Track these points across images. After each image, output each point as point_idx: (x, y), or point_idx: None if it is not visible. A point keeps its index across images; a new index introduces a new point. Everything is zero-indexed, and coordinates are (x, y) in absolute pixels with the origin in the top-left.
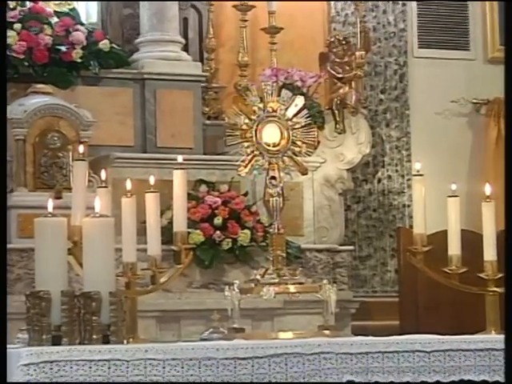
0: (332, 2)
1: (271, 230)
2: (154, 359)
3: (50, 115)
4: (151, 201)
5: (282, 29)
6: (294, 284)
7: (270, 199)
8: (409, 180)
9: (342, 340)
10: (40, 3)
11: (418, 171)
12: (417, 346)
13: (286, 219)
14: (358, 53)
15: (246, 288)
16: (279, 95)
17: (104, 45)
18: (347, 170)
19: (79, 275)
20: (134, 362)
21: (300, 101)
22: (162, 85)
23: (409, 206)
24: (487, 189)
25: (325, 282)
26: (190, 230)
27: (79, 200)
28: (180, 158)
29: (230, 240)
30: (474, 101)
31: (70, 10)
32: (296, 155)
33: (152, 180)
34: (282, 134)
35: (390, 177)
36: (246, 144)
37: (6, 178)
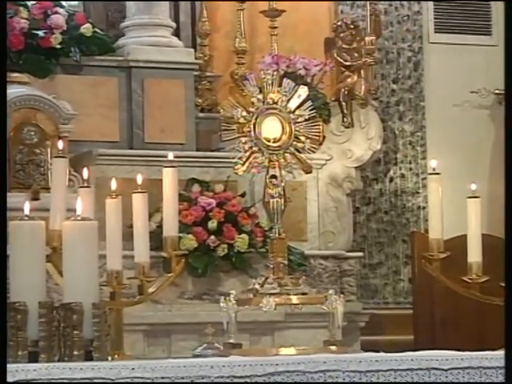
0: None
1: (271, 235)
2: (141, 378)
3: (26, 107)
4: (138, 202)
5: (283, 11)
6: (296, 294)
7: (270, 200)
8: (424, 179)
9: (350, 357)
10: None
11: (434, 169)
12: (433, 363)
13: (288, 223)
14: (367, 38)
15: (244, 299)
16: (280, 85)
17: (86, 29)
18: (356, 168)
19: (59, 284)
20: (120, 381)
21: (303, 91)
22: (150, 74)
23: (424, 207)
24: None
25: (331, 292)
26: (181, 234)
27: (59, 201)
28: (170, 155)
29: (225, 246)
30: (497, 91)
31: None
32: (299, 152)
33: (139, 179)
34: (283, 128)
35: (403, 176)
36: (243, 139)
37: (7, 177)
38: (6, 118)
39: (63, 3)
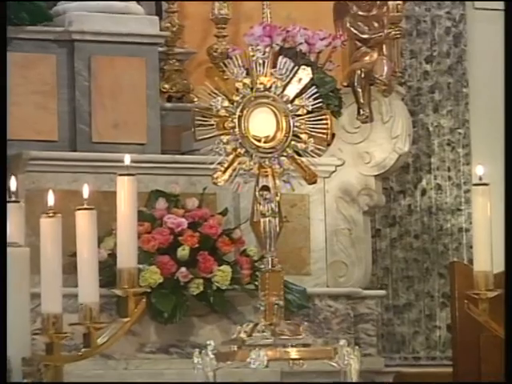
0: None
1: (262, 267)
2: None
3: None
4: (84, 222)
5: None
6: (296, 346)
7: (261, 220)
8: (468, 192)
9: None
10: None
11: (480, 178)
12: None
13: (285, 250)
14: (391, 2)
15: (226, 352)
16: (275, 66)
17: None
18: (376, 176)
19: None
20: None
21: (305, 74)
22: (99, 50)
23: (467, 230)
24: None
25: (342, 343)
26: (141, 265)
27: None
28: (127, 159)
29: (200, 281)
30: None
31: None
32: (299, 155)
33: (85, 191)
34: (278, 123)
35: (439, 187)
36: (225, 138)
37: (6, 178)
38: (6, 117)
39: None
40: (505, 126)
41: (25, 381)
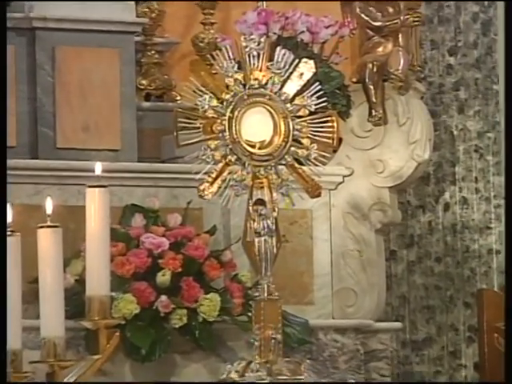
0: None
1: (257, 295)
2: None
3: None
4: (48, 242)
5: None
6: None
7: (256, 240)
8: (498, 207)
9: None
10: None
11: None
12: None
13: (284, 275)
14: None
15: None
16: (271, 58)
17: None
18: (391, 188)
19: None
20: None
21: (308, 68)
22: (65, 39)
23: (499, 251)
24: None
25: None
26: (114, 293)
27: None
28: (98, 168)
29: (184, 312)
30: None
31: None
32: (301, 163)
33: (49, 206)
34: (275, 125)
35: (465, 201)
36: (212, 144)
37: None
38: (5, 116)
39: None
40: (505, 130)
41: (39, 380)
